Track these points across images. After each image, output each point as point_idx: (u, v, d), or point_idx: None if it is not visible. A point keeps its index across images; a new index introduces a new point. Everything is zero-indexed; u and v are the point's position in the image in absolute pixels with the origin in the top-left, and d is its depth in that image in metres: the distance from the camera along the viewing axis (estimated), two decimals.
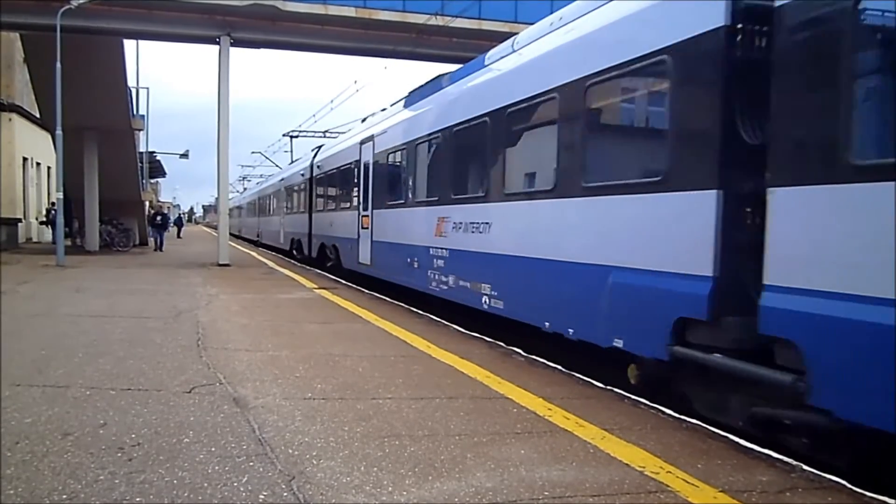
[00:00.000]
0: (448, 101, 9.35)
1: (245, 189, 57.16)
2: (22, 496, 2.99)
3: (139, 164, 26.00)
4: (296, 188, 22.07)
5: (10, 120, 25.71)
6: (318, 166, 18.08)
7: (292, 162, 27.33)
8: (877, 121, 3.66)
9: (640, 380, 5.32)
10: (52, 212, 22.43)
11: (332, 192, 16.87)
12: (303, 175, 20.30)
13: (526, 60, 7.16)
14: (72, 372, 5.31)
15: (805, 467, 3.66)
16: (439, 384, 5.31)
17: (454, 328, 8.28)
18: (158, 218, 26.25)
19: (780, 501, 3.25)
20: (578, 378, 5.73)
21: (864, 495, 3.32)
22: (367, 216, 12.60)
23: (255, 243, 33.96)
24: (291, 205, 23.20)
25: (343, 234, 14.70)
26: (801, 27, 3.85)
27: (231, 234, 42.19)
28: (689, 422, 4.51)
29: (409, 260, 10.13)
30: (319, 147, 20.43)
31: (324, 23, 17.42)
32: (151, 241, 25.83)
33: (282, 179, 26.03)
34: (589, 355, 5.96)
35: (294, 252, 21.71)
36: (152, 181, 48.08)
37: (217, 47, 17.50)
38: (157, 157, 40.94)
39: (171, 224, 43.09)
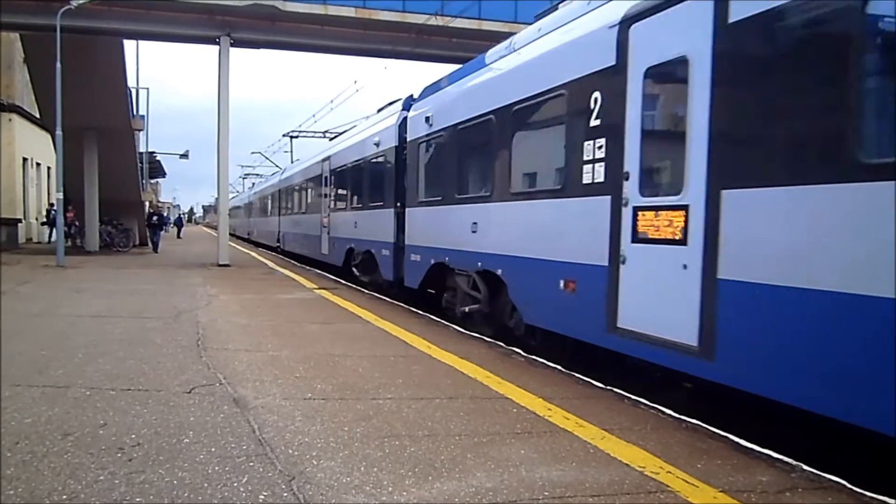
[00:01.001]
0: None
1: (253, 185, 48.15)
2: (22, 496, 2.99)
3: (139, 165, 26.00)
4: (361, 169, 13.83)
5: (10, 120, 25.76)
6: (429, 120, 9.68)
7: (333, 138, 19.28)
8: None
9: None
10: (52, 212, 22.42)
11: (483, 165, 8.09)
12: (377, 145, 12.48)
13: None
14: (72, 372, 5.32)
15: (805, 467, 3.66)
16: (439, 384, 5.31)
17: (454, 328, 8.28)
18: (154, 218, 26.22)
19: (780, 501, 3.25)
20: (578, 378, 5.72)
21: (864, 495, 3.32)
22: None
23: (275, 250, 26.90)
24: (349, 196, 15.17)
25: (535, 254, 6.69)
26: None
27: (240, 237, 41.01)
28: (689, 422, 4.51)
29: None
30: (410, 96, 11.50)
31: (324, 23, 17.45)
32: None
33: (326, 159, 17.27)
34: (589, 355, 5.97)
35: (355, 270, 13.95)
36: (152, 181, 48.12)
37: (217, 47, 17.52)
38: (157, 157, 41.05)
39: (171, 224, 43.14)
